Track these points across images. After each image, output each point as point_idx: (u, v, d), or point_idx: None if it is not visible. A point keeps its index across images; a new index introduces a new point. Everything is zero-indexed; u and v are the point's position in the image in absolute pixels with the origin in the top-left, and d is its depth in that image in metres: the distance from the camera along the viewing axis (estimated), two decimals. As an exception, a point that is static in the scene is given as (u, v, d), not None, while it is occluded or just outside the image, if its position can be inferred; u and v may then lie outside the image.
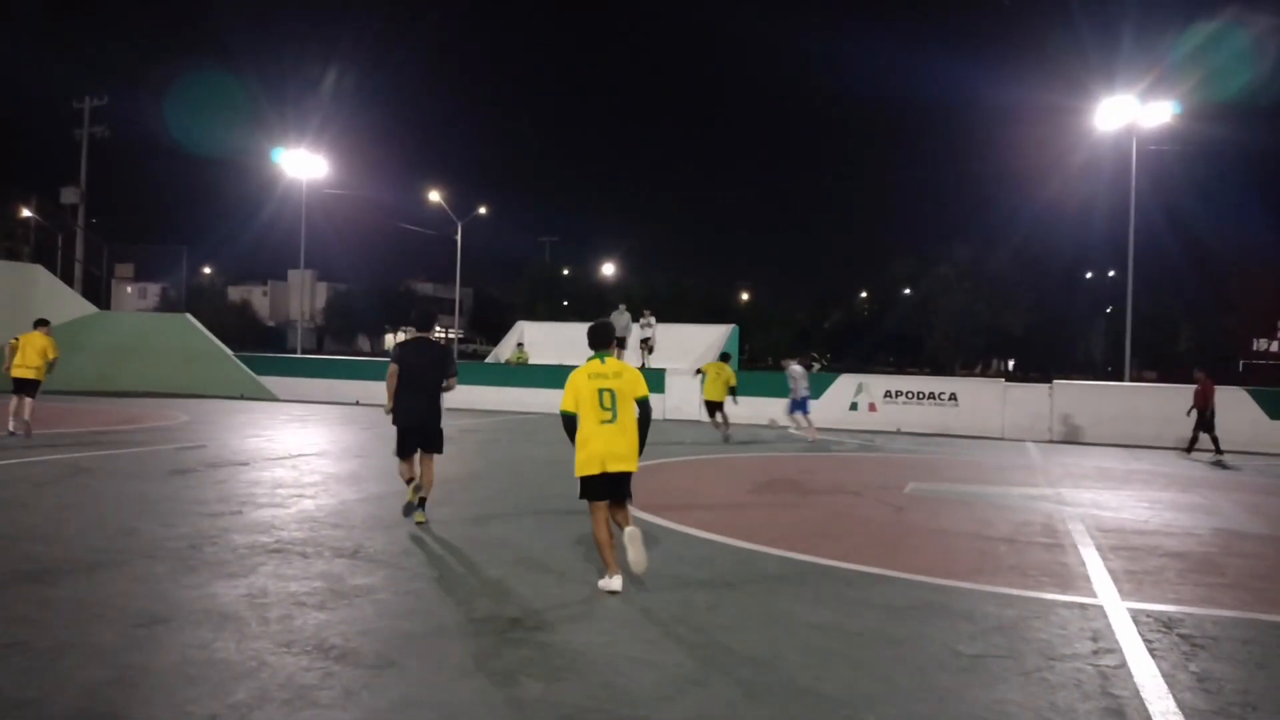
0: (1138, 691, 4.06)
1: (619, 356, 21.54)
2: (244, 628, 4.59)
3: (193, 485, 9.02)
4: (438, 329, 68.04)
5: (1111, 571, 6.40)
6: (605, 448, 5.51)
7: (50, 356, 12.81)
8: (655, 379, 20.70)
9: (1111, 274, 51.24)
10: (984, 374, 51.45)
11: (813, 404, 16.93)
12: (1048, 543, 7.43)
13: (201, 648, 4.27)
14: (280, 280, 65.53)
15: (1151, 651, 4.61)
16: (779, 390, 20.47)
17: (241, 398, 22.37)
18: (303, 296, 41.16)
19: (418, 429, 7.35)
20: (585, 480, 5.60)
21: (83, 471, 9.71)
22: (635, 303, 26.06)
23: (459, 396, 21.41)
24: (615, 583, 5.49)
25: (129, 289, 49.91)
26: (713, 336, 24.77)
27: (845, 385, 20.62)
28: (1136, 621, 5.15)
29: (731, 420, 16.13)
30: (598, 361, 5.78)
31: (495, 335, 57.14)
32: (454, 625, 4.76)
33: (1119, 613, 5.33)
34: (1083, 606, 5.49)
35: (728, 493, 9.92)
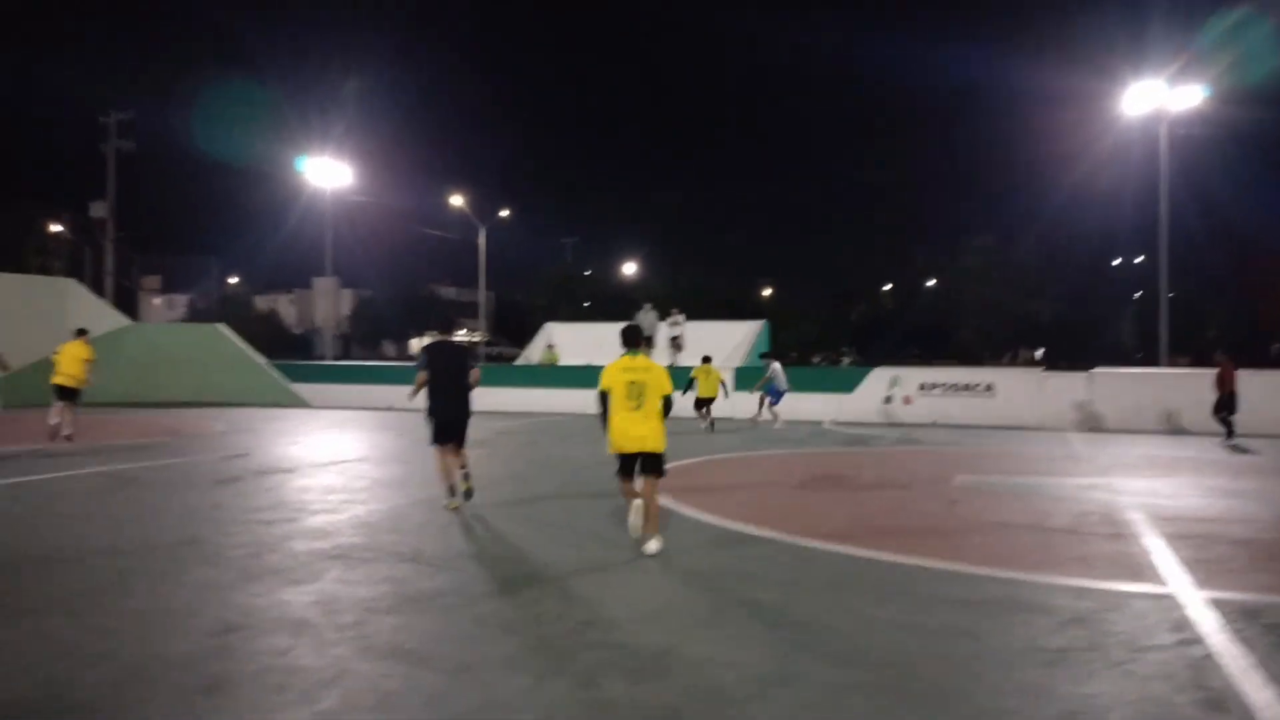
0: (1231, 682, 3.97)
1: (647, 355, 21.67)
2: (320, 634, 4.59)
3: (243, 493, 9.08)
4: (462, 332, 68.43)
5: (1181, 561, 6.28)
6: (627, 430, 6.45)
7: (86, 358, 13.30)
8: (684, 377, 20.64)
9: (1139, 260, 50.64)
10: (1012, 363, 50.93)
11: (805, 396, 18.88)
12: (1110, 533, 7.32)
13: (281, 654, 4.28)
14: (305, 288, 66.02)
15: (1240, 641, 4.52)
16: (810, 386, 20.45)
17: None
18: (330, 304, 41.47)
19: (451, 422, 8.07)
20: (617, 457, 6.62)
21: (132, 482, 9.80)
22: (661, 301, 26.05)
23: (491, 399, 21.49)
24: (654, 545, 6.36)
25: (157, 300, 50.52)
26: (742, 333, 24.69)
27: (879, 379, 20.46)
28: (1216, 611, 5.05)
29: (767, 418, 16.56)
30: (629, 358, 6.66)
31: (517, 338, 57.29)
32: (525, 627, 4.74)
33: (1196, 603, 5.23)
34: (1157, 597, 5.39)
35: (775, 489, 9.86)
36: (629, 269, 64.96)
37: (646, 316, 22.91)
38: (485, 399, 20.21)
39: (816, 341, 56.92)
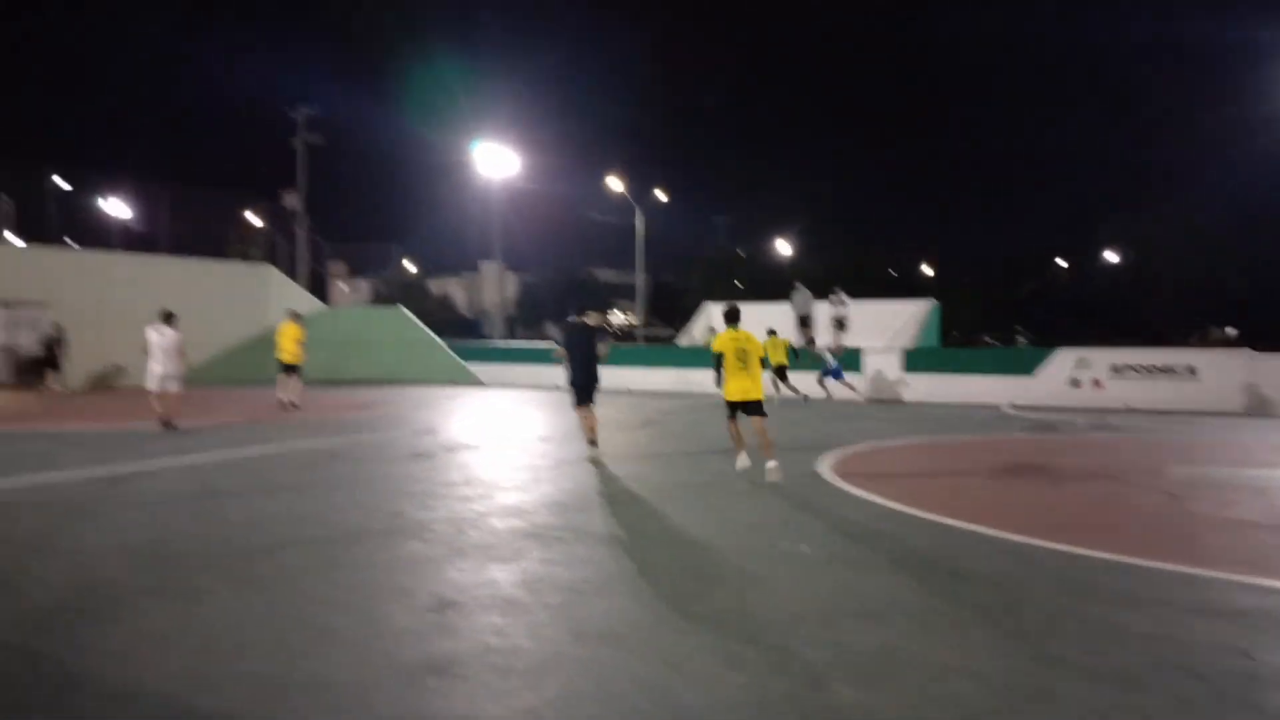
0: None
1: (803, 335, 21.12)
2: (532, 615, 4.62)
3: (437, 469, 9.43)
4: (616, 313, 69.43)
5: None
6: (740, 385, 8.78)
7: (297, 337, 15.91)
8: (851, 359, 20.01)
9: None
10: (1203, 343, 46.60)
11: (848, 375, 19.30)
12: (1379, 539, 6.44)
13: (498, 634, 4.33)
14: (474, 272, 68.73)
15: None
16: (984, 368, 19.36)
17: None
18: (497, 287, 42.93)
19: (583, 386, 9.99)
20: (730, 403, 8.89)
21: (336, 457, 10.38)
22: (819, 281, 25.29)
23: (654, 380, 21.64)
24: (744, 460, 8.99)
25: (341, 285, 53.99)
26: (909, 313, 23.66)
27: (1064, 360, 19.11)
28: None
29: (949, 403, 15.56)
30: (733, 331, 8.94)
31: (670, 319, 57.47)
32: (733, 619, 4.60)
33: None
34: None
35: (969, 479, 9.32)
36: (783, 248, 63.81)
37: (799, 296, 22.32)
38: (647, 380, 20.02)
39: (983, 320, 54.00)
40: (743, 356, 8.72)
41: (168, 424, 12.71)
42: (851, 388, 19.14)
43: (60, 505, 7.50)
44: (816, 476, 8.93)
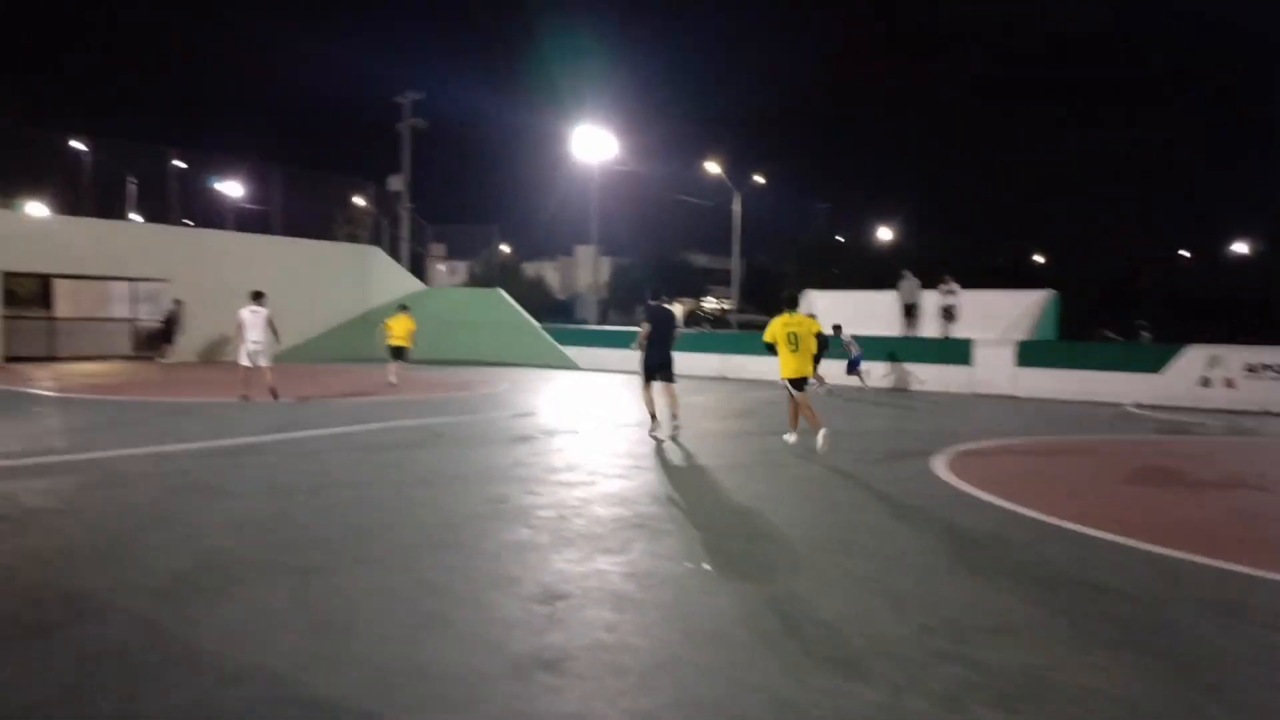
0: None
1: (907, 324, 20.39)
2: (642, 611, 4.45)
3: (539, 452, 9.37)
4: (710, 299, 68.96)
5: None
6: (793, 365, 9.78)
7: (410, 328, 17.56)
8: (960, 350, 19.23)
9: None
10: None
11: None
12: None
13: (609, 630, 4.16)
14: (568, 256, 69.30)
15: None
16: (1105, 364, 18.28)
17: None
18: (591, 271, 43.12)
19: (660, 364, 10.66)
20: (789, 380, 9.87)
21: (438, 437, 10.46)
22: (923, 270, 24.34)
23: (748, 368, 21.25)
24: (792, 437, 10.13)
25: (441, 267, 55.17)
26: (1025, 304, 22.55)
27: (1195, 358, 17.87)
28: None
29: (1065, 399, 14.73)
30: (788, 315, 9.87)
31: (764, 305, 56.64)
32: (853, 625, 4.31)
33: None
34: None
35: (1099, 482, 8.72)
36: (884, 234, 62.13)
37: (907, 284, 21.55)
38: (745, 367, 19.61)
39: (1098, 313, 51.42)
40: (793, 340, 9.66)
41: (245, 398, 13.38)
42: (861, 379, 19.18)
43: (177, 476, 7.72)
44: (934, 477, 8.50)
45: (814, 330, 9.88)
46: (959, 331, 20.71)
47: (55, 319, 23.94)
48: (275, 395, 13.44)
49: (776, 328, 9.74)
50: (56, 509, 6.42)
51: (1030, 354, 18.91)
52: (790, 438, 10.08)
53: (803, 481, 8.20)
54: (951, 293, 20.96)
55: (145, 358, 23.34)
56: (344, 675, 3.61)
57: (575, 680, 3.62)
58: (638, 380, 11.02)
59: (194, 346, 22.38)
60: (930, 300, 21.03)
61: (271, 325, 13.65)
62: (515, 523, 6.22)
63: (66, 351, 22.78)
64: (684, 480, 8.09)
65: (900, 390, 19.51)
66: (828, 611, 4.52)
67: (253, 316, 13.56)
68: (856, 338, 19.42)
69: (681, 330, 11.05)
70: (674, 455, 9.53)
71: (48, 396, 14.01)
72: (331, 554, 5.35)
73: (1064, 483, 8.65)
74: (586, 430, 11.29)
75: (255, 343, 13.47)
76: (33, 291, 30.06)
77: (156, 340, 22.32)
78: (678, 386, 10.81)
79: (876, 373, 19.82)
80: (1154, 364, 18.14)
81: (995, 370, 18.98)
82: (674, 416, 10.53)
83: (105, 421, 11.29)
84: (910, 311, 21.02)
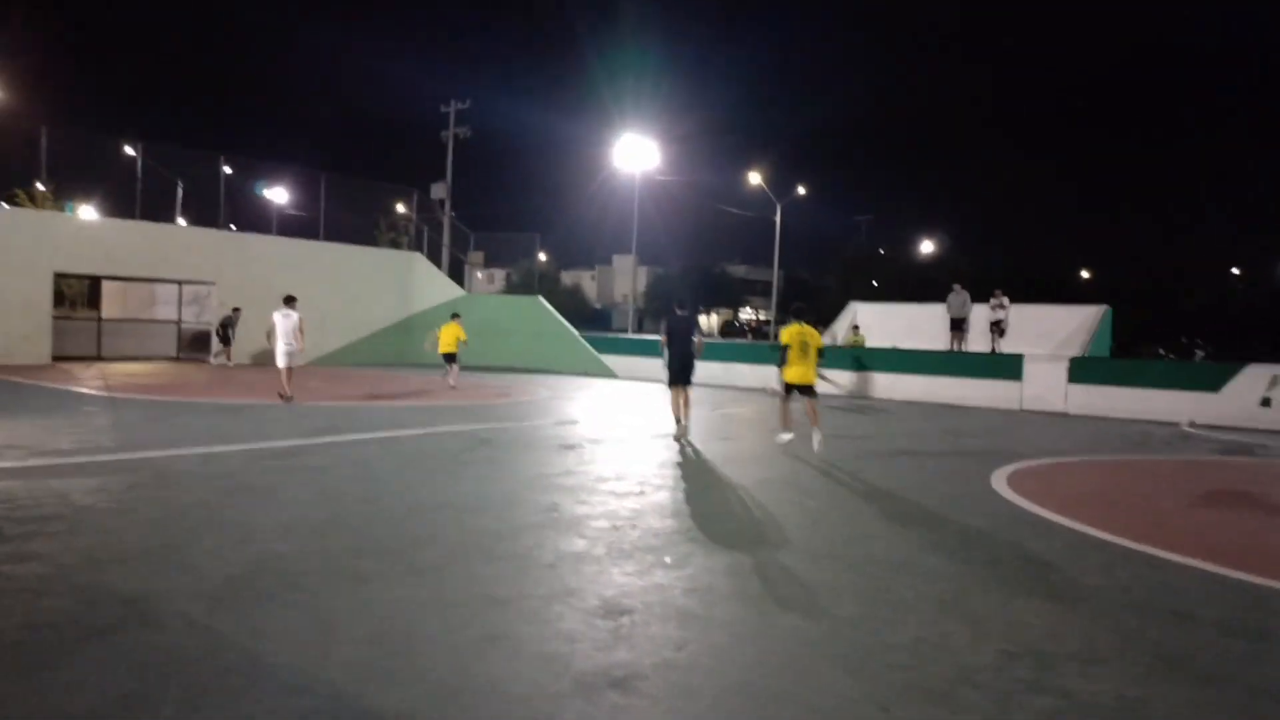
0: None
1: (955, 339, 20.01)
2: (709, 629, 4.27)
3: (586, 461, 9.23)
4: (747, 310, 68.69)
5: None
6: (797, 371, 10.59)
7: (461, 339, 18.24)
8: (1010, 366, 18.81)
9: None
10: None
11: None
12: None
13: (678, 649, 3.99)
14: (606, 265, 69.39)
15: None
16: (1159, 382, 17.76)
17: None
18: (630, 280, 43.01)
19: (680, 369, 11.34)
20: (786, 384, 10.73)
21: (485, 444, 10.36)
22: (969, 283, 23.94)
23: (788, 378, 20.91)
24: (787, 437, 10.88)
25: (479, 274, 55.42)
26: (1078, 320, 22.07)
27: (1252, 378, 17.27)
28: None
29: (1119, 418, 14.60)
30: (798, 325, 10.67)
31: (803, 317, 55.98)
32: (931, 650, 4.09)
33: None
34: None
35: (1167, 504, 8.38)
36: (926, 248, 61.44)
37: (956, 297, 21.19)
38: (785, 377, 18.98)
39: (1148, 330, 50.27)
40: (804, 348, 10.51)
41: (285, 397, 13.84)
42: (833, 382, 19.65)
43: (226, 478, 7.68)
44: (996, 495, 8.22)
45: (819, 343, 10.70)
46: (1008, 346, 20.31)
47: (102, 320, 24.34)
48: (286, 396, 13.91)
49: (792, 334, 10.62)
50: (108, 508, 6.39)
51: (1083, 370, 18.44)
52: (785, 437, 10.83)
53: (860, 498, 7.96)
54: (1001, 307, 20.57)
55: (191, 359, 23.62)
56: (408, 690, 3.47)
57: (647, 701, 3.45)
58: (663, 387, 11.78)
59: (245, 349, 22.61)
60: (979, 314, 20.63)
61: (300, 329, 14.20)
62: (569, 533, 6.07)
63: (112, 352, 23.12)
64: (737, 494, 7.90)
65: (864, 397, 19.24)
66: (903, 635, 4.30)
67: (285, 320, 14.15)
68: (899, 350, 19.13)
69: (704, 340, 11.56)
70: (723, 467, 9.34)
71: (95, 396, 14.15)
72: (386, 561, 5.23)
73: (1132, 503, 8.32)
74: (631, 439, 11.13)
75: (287, 344, 14.05)
76: (81, 292, 30.69)
77: (217, 344, 22.58)
78: (695, 393, 11.62)
79: (843, 379, 20.03)
80: (1212, 383, 17.58)
81: (1046, 386, 18.53)
82: (678, 421, 11.24)
83: (153, 421, 11.35)
84: (958, 325, 20.64)
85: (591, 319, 51.54)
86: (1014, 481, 8.87)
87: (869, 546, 6.09)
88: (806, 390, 10.69)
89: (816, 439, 10.33)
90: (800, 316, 10.85)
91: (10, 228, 20.42)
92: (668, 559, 5.48)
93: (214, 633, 3.97)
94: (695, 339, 11.29)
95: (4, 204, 25.25)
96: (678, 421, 11.23)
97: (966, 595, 5.03)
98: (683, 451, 10.30)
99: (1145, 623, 4.66)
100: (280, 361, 14.12)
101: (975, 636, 4.32)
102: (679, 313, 11.58)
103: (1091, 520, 7.02)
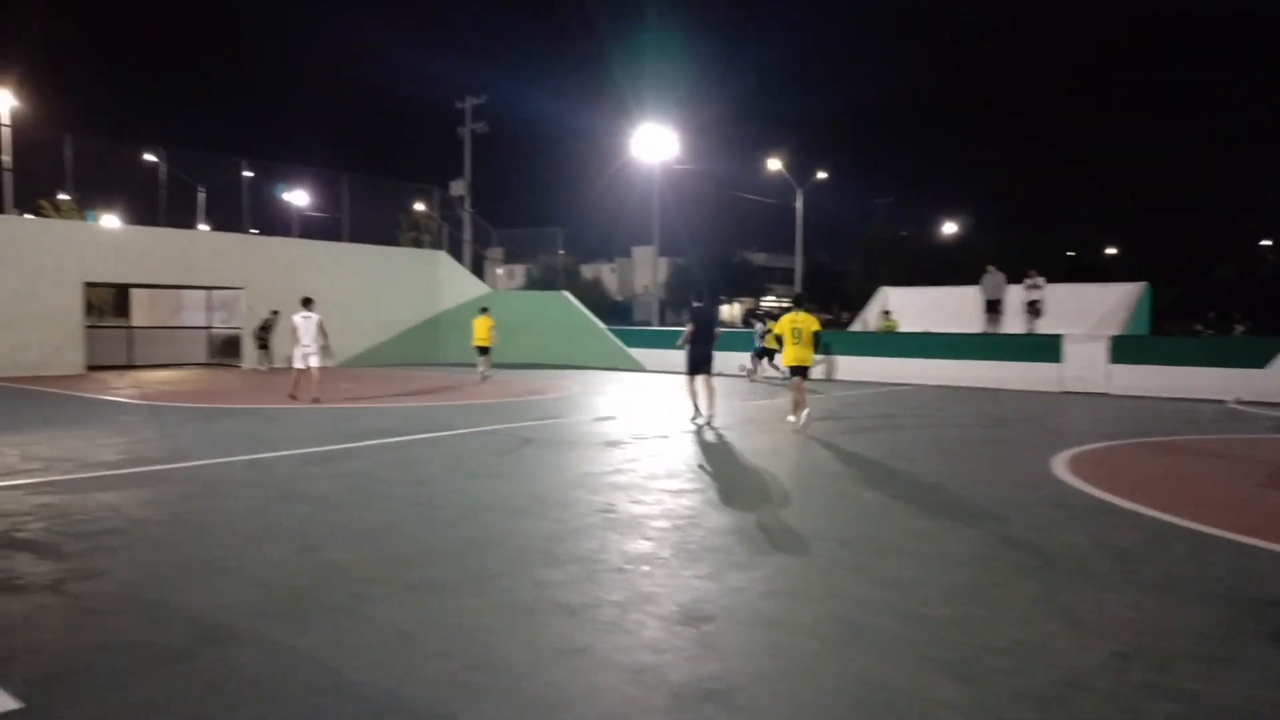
0: None
1: (991, 320, 19.66)
2: (799, 635, 4.09)
3: (633, 458, 9.06)
4: (769, 298, 68.12)
5: None
6: (794, 354, 11.20)
7: (492, 326, 19.48)
8: (1049, 347, 18.45)
9: None
10: None
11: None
12: None
13: (772, 658, 3.83)
14: (626, 257, 69.11)
15: None
16: (1200, 360, 17.37)
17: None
18: (651, 272, 42.72)
19: (701, 359, 11.81)
20: (790, 367, 11.42)
21: (528, 442, 10.22)
22: (996, 263, 23.56)
23: (825, 367, 20.71)
24: (795, 420, 11.30)
25: (499, 270, 55.38)
26: (1116, 298, 21.64)
27: (1301, 354, 16.89)
28: None
29: (1162, 397, 14.81)
30: (794, 313, 11.26)
31: (824, 303, 55.64)
32: (1035, 654, 3.90)
33: None
34: None
35: (1243, 487, 8.05)
36: (949, 229, 60.73)
37: (991, 279, 20.83)
38: (821, 368, 18.82)
39: (1179, 306, 49.44)
40: (797, 334, 11.18)
41: (293, 397, 14.14)
42: (753, 369, 20.80)
43: (275, 485, 7.58)
44: (1060, 481, 7.99)
45: (814, 327, 11.19)
46: (1044, 327, 19.95)
47: (133, 327, 24.43)
48: (295, 396, 14.14)
49: (784, 324, 11.30)
50: (162, 520, 6.30)
51: (1124, 349, 18.08)
52: (794, 419, 11.37)
53: (920, 489, 7.75)
54: (1037, 287, 20.21)
55: (222, 364, 23.66)
56: (500, 707, 3.32)
57: (747, 715, 3.28)
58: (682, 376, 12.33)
59: (282, 353, 22.60)
60: (1015, 295, 20.28)
61: (322, 329, 14.19)
62: (631, 534, 5.92)
63: (143, 359, 23.21)
64: (792, 489, 7.72)
65: (897, 383, 18.91)
66: (1002, 636, 4.11)
67: (304, 322, 14.16)
68: (932, 334, 18.82)
69: (721, 330, 12.25)
70: (772, 461, 9.16)
71: (134, 405, 14.15)
72: (449, 568, 5.10)
73: (1202, 486, 8.06)
74: (674, 434, 10.96)
75: (306, 346, 14.04)
76: (108, 301, 30.83)
77: (256, 349, 22.56)
78: (716, 381, 12.17)
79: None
80: (1259, 359, 17.18)
81: (1087, 367, 18.19)
82: (710, 407, 11.74)
83: (195, 429, 11.30)
84: (993, 307, 20.30)
85: (613, 311, 51.30)
86: (1075, 467, 8.62)
87: (941, 541, 5.89)
88: (800, 371, 11.37)
89: (804, 415, 11.18)
90: (798, 305, 11.49)
91: (39, 238, 20.50)
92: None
93: (290, 650, 3.84)
94: (716, 330, 11.87)
95: (30, 214, 25.37)
96: (696, 409, 11.77)
97: (1056, 591, 4.82)
98: (727, 445, 10.13)
99: (1254, 616, 4.44)
100: (298, 363, 14.17)
101: (1078, 635, 4.12)
102: (696, 304, 12.13)
103: (1166, 506, 6.78)
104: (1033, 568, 5.26)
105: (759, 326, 21.12)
